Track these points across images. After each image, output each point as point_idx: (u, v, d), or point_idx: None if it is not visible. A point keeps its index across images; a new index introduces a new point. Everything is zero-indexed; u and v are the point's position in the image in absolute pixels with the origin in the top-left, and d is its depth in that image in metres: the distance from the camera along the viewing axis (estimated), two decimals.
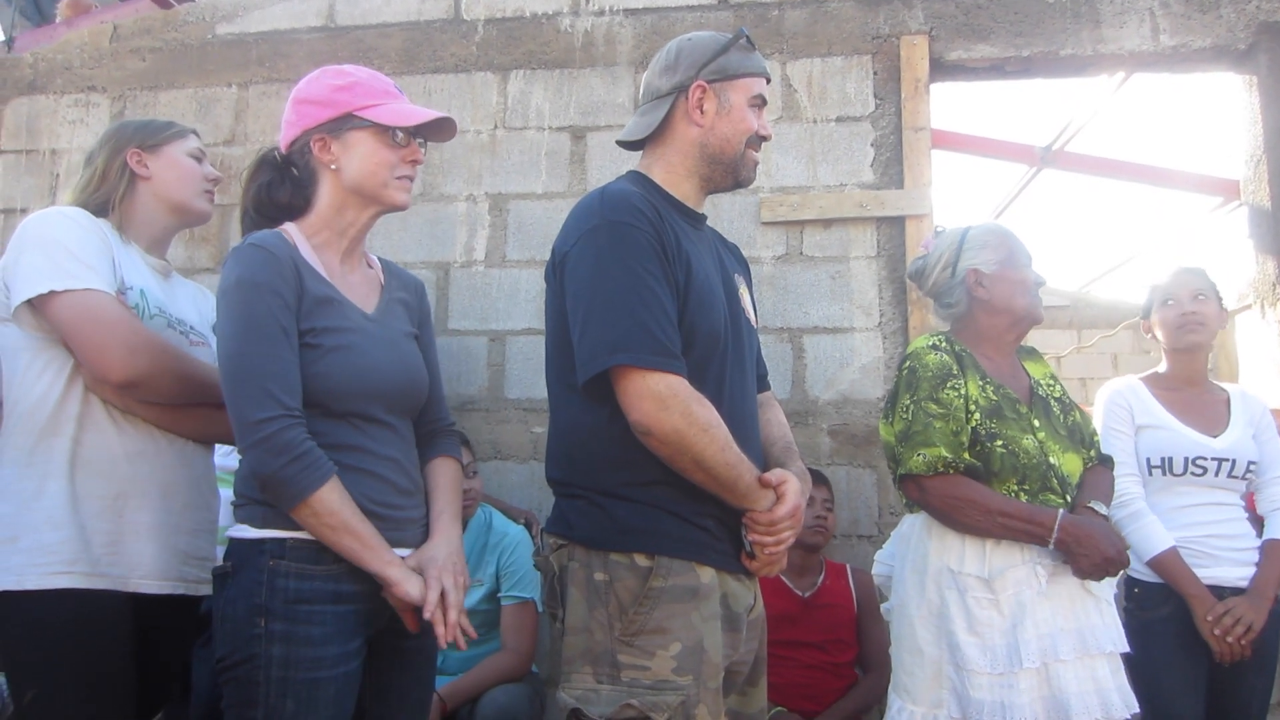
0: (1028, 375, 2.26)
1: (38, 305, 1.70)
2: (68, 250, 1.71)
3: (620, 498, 1.62)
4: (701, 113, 1.75)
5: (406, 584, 1.56)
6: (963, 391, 2.09)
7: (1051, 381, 2.28)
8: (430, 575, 1.60)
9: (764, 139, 1.80)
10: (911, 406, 2.10)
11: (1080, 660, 1.98)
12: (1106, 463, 2.26)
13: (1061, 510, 2.02)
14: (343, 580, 1.57)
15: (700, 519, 1.63)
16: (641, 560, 1.59)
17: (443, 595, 1.59)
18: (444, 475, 1.82)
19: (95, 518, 1.71)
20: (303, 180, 1.75)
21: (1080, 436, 2.21)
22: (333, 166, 1.70)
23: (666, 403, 1.54)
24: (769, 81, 1.84)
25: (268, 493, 1.54)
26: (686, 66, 1.76)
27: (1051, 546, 1.99)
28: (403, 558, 1.63)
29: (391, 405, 1.70)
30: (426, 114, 1.73)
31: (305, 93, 1.73)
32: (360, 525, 1.55)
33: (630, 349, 1.54)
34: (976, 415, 2.08)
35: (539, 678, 2.87)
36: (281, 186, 1.76)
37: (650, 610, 1.56)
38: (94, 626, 1.68)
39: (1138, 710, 2.02)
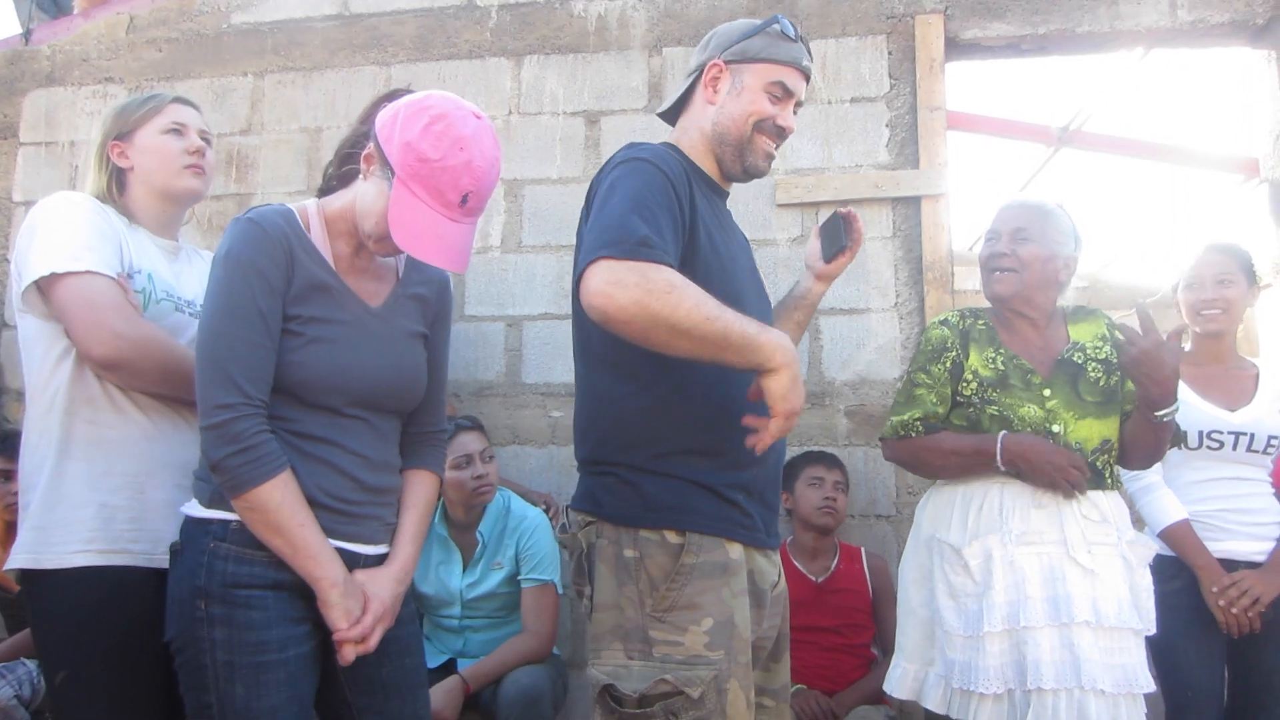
0: (1068, 340, 2.26)
1: (44, 289, 1.71)
2: (71, 233, 1.72)
3: (649, 472, 1.61)
4: (715, 91, 1.77)
5: (332, 611, 1.54)
6: (948, 366, 2.23)
7: (1100, 343, 2.26)
8: (370, 612, 1.58)
9: (782, 129, 1.76)
10: (906, 377, 2.30)
11: (1053, 629, 2.00)
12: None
13: (1003, 432, 2.12)
14: (283, 567, 1.54)
15: (731, 492, 1.64)
16: (672, 537, 1.59)
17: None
18: (419, 492, 1.77)
19: (116, 494, 1.73)
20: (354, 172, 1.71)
21: (1123, 399, 2.22)
22: (366, 181, 1.63)
23: (620, 278, 1.43)
24: (807, 79, 1.78)
25: (216, 478, 1.53)
26: (715, 47, 1.79)
27: (1001, 468, 2.10)
28: (357, 555, 1.63)
29: (370, 403, 1.65)
30: (420, 248, 1.55)
31: (410, 132, 1.54)
32: (297, 530, 1.51)
33: (610, 245, 1.46)
34: (974, 384, 2.20)
35: (560, 659, 2.90)
36: (349, 159, 1.72)
37: (682, 586, 1.57)
38: (118, 603, 1.69)
39: (1150, 689, 2.02)
